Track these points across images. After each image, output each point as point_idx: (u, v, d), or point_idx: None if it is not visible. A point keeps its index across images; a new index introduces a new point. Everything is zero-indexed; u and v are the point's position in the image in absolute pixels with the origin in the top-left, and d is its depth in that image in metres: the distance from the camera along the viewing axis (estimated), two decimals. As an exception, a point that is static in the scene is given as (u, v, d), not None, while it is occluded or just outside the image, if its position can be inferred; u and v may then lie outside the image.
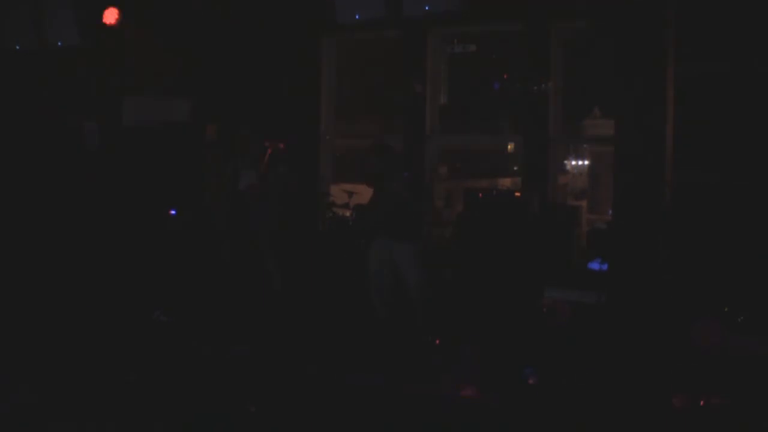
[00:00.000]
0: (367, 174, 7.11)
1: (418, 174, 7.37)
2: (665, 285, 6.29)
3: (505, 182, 9.46)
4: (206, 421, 5.20)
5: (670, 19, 5.94)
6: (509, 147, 9.37)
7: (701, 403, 5.16)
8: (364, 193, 8.92)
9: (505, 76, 8.48)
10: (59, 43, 8.07)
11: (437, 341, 7.00)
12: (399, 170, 7.01)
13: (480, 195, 8.16)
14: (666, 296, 6.26)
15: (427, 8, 8.10)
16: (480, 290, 7.63)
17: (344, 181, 9.66)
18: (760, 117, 5.97)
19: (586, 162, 9.20)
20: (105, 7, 8.69)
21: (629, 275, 6.46)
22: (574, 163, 9.18)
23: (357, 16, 8.23)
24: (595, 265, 7.25)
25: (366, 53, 10.11)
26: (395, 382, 5.95)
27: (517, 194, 8.41)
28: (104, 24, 8.47)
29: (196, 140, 9.36)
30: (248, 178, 8.21)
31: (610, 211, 7.60)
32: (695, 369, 5.62)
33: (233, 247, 8.49)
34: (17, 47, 8.07)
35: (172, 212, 8.88)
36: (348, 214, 8.89)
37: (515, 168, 9.19)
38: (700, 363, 5.73)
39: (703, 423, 5.10)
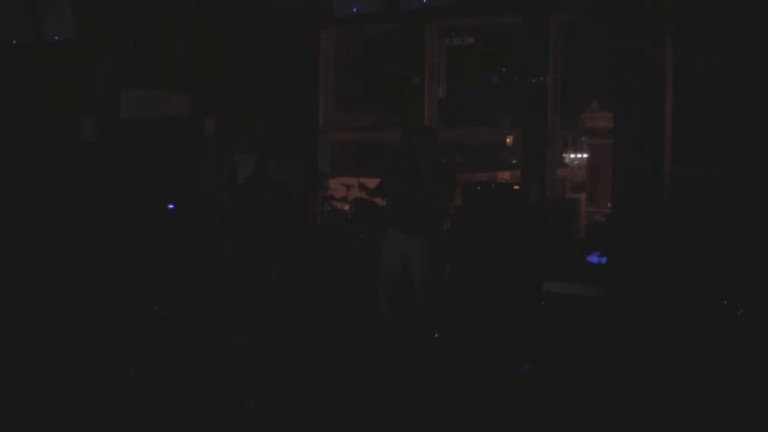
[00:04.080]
0: (406, 166, 6.89)
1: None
2: (664, 278, 6.29)
3: (504, 175, 9.46)
4: (206, 416, 5.20)
5: (669, 12, 5.92)
6: (508, 140, 9.37)
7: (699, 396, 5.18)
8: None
9: (503, 69, 8.46)
10: (56, 38, 8.03)
11: (436, 335, 7.01)
12: (444, 178, 6.78)
13: (479, 188, 8.14)
14: (665, 289, 6.26)
15: (425, 1, 8.07)
16: (478, 284, 7.63)
17: (343, 175, 9.66)
18: (759, 111, 5.97)
19: (585, 155, 9.19)
20: (103, 1, 8.67)
21: (628, 269, 6.45)
22: (572, 156, 9.18)
23: (355, 10, 8.19)
24: (593, 259, 7.24)
25: (364, 46, 10.10)
26: (394, 377, 5.95)
27: (516, 187, 8.40)
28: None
29: (194, 134, 9.34)
30: (246, 171, 8.20)
31: (609, 204, 7.59)
32: (695, 363, 5.63)
33: (232, 240, 8.48)
34: (14, 42, 8.03)
35: (171, 206, 8.88)
36: (346, 207, 8.88)
37: (514, 161, 9.19)
38: (699, 357, 5.74)
39: (703, 419, 5.11)
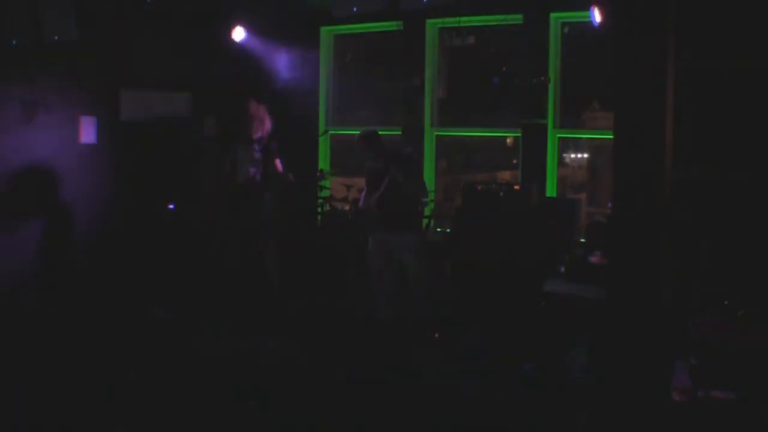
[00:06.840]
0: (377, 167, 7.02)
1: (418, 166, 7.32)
2: (665, 279, 6.27)
3: (504, 175, 9.45)
4: (205, 416, 5.21)
5: (671, 13, 5.90)
6: (508, 140, 9.37)
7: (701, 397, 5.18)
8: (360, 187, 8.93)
9: (503, 69, 8.46)
10: (56, 38, 8.02)
11: (437, 335, 7.02)
12: (403, 163, 6.94)
13: (479, 188, 8.14)
14: (666, 290, 6.25)
15: (425, 1, 8.05)
16: (479, 284, 7.64)
17: (343, 175, 9.67)
18: (761, 113, 5.95)
19: (585, 155, 9.19)
20: (102, 1, 8.65)
21: (629, 269, 6.43)
22: (573, 156, 9.17)
23: (355, 9, 8.18)
24: (594, 259, 7.23)
25: (364, 46, 10.09)
26: (395, 377, 5.96)
27: (516, 187, 8.40)
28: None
29: (194, 134, 9.35)
30: (246, 171, 8.22)
31: (610, 205, 7.58)
32: (695, 364, 5.63)
33: (233, 241, 8.49)
34: (14, 42, 8.02)
35: (171, 206, 8.88)
36: (347, 207, 8.88)
37: (514, 161, 9.18)
38: (699, 357, 5.73)
39: (703, 418, 5.11)
